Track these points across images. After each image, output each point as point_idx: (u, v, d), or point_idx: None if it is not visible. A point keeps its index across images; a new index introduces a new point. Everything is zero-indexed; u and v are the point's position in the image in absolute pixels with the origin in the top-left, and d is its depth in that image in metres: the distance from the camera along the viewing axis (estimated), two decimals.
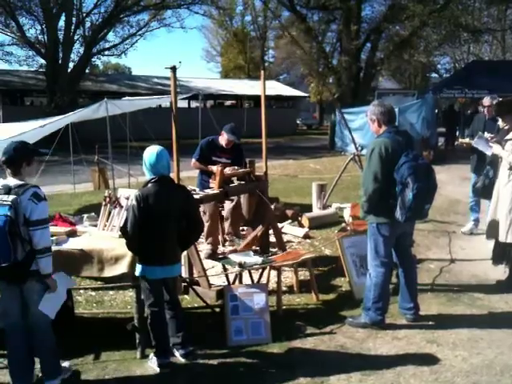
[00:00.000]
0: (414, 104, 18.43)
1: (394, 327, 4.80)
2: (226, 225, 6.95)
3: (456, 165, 14.55)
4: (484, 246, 6.74)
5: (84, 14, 28.61)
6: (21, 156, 3.70)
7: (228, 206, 6.86)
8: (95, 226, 4.89)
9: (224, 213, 6.97)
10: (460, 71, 29.15)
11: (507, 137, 5.78)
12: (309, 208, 9.55)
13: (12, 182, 3.64)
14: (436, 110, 21.40)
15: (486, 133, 7.21)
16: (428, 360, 4.22)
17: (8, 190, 3.57)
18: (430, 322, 4.90)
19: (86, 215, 5.29)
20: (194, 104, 31.64)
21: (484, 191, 6.31)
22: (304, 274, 6.02)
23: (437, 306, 5.28)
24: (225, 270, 5.40)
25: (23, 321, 3.76)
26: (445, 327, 4.78)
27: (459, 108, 27.04)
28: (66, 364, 4.06)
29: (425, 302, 5.27)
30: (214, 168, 6.17)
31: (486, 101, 7.70)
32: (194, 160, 6.84)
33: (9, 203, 3.48)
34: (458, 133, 20.97)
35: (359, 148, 10.11)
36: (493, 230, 5.85)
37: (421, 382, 3.90)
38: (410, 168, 4.35)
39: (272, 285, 5.56)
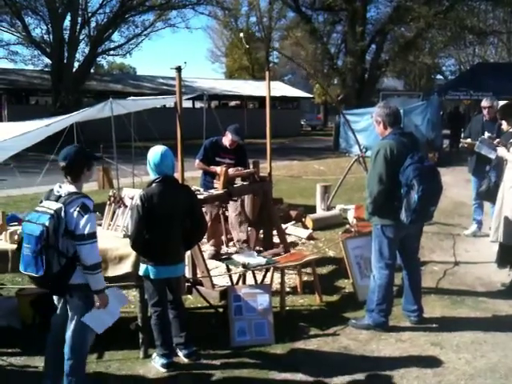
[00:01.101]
0: (419, 106, 18.38)
1: (397, 329, 4.79)
2: (234, 233, 6.92)
3: (461, 167, 14.48)
4: (488, 249, 6.72)
5: (89, 14, 28.69)
6: (83, 161, 3.56)
7: (232, 211, 6.83)
8: (99, 225, 4.89)
9: (228, 217, 6.96)
10: (465, 73, 29.09)
11: None
12: (313, 209, 9.54)
13: (66, 188, 3.48)
14: (441, 112, 21.34)
15: (486, 133, 7.22)
16: (431, 362, 4.21)
17: (58, 197, 3.43)
18: (434, 325, 4.88)
19: None
20: (198, 104, 31.64)
21: (488, 194, 6.30)
22: (308, 276, 6.01)
23: (441, 309, 5.27)
24: (228, 270, 5.40)
25: (62, 334, 3.61)
26: (449, 330, 4.77)
27: (464, 110, 26.99)
28: None
29: (429, 304, 5.26)
30: (218, 169, 6.16)
31: (485, 102, 7.69)
32: (197, 161, 6.83)
33: (51, 212, 3.33)
34: (462, 135, 20.91)
35: (363, 149, 10.10)
36: (497, 233, 5.84)
37: None
38: (416, 170, 4.34)
39: (275, 286, 5.56)
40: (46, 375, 3.67)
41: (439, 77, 49.07)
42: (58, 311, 3.70)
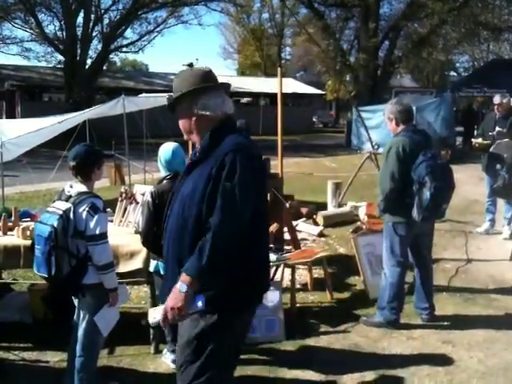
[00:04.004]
0: (432, 103, 18.26)
1: (408, 327, 4.77)
2: None
3: (474, 164, 14.36)
4: (501, 247, 6.67)
5: (102, 11, 28.81)
6: (93, 160, 3.54)
7: None
8: (111, 221, 4.91)
9: None
10: (479, 70, 28.85)
11: None
12: (324, 206, 9.53)
13: (76, 188, 3.47)
14: (454, 109, 21.18)
15: (496, 127, 7.18)
16: (443, 361, 4.18)
17: (68, 197, 3.42)
18: (446, 323, 4.86)
19: None
20: None
21: (504, 191, 6.27)
22: (318, 272, 6.00)
23: (452, 307, 5.24)
24: None
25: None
26: (460, 328, 4.74)
27: (478, 107, 26.75)
28: None
29: (440, 302, 5.22)
30: None
31: (497, 99, 7.64)
32: None
33: (60, 213, 3.31)
34: (475, 132, 20.77)
35: (376, 146, 10.06)
36: None
37: (435, 383, 3.87)
38: (428, 167, 4.31)
39: (286, 282, 5.55)
40: (69, 372, 3.70)
41: (453, 73, 48.72)
42: (76, 311, 3.72)
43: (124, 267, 4.29)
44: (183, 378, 2.54)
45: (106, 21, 29.38)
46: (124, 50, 31.91)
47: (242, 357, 4.25)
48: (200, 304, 2.39)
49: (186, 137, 2.68)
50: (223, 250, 2.33)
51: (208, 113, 2.54)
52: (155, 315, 2.42)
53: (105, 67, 30.65)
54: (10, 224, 4.76)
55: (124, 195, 4.90)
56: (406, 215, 4.52)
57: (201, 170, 2.47)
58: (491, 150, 6.91)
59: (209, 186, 2.38)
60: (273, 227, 6.07)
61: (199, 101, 2.55)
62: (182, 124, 2.64)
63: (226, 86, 2.72)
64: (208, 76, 2.64)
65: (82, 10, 26.94)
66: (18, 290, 5.65)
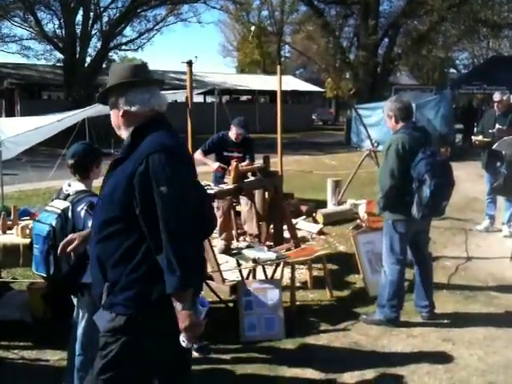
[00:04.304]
0: (431, 100, 18.23)
1: (408, 325, 4.77)
2: (245, 227, 6.93)
3: (474, 162, 14.35)
4: (501, 245, 6.67)
5: (101, 9, 28.71)
6: (92, 158, 3.52)
7: (244, 204, 6.83)
8: None
9: (240, 210, 6.97)
10: (479, 67, 28.78)
11: None
12: (323, 204, 9.52)
13: (74, 187, 3.45)
14: (454, 106, 21.16)
15: (496, 125, 7.18)
16: (443, 358, 4.18)
17: (66, 196, 3.41)
18: (446, 320, 4.85)
19: None
20: (209, 99, 31.63)
21: (504, 189, 6.26)
22: (318, 271, 5.99)
23: (452, 304, 5.23)
24: (239, 265, 5.39)
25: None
26: (460, 325, 4.73)
27: (477, 104, 26.72)
28: None
29: (440, 299, 5.22)
30: (209, 162, 6.69)
31: (497, 96, 7.63)
32: (199, 150, 6.75)
33: (58, 212, 3.30)
34: (475, 129, 20.75)
35: (375, 144, 10.05)
36: None
37: (435, 381, 3.87)
38: (428, 165, 4.30)
39: (286, 281, 5.54)
40: (69, 371, 3.69)
41: (452, 71, 48.64)
42: (76, 309, 3.71)
43: None
44: (94, 367, 2.49)
45: (105, 19, 29.32)
46: (123, 48, 31.84)
47: (242, 355, 4.29)
48: (200, 307, 2.37)
49: (117, 132, 2.58)
50: (187, 255, 2.26)
51: (133, 108, 2.45)
52: (182, 339, 2.35)
53: (104, 65, 30.53)
54: (10, 223, 4.75)
55: None
56: (405, 213, 4.51)
57: (122, 169, 2.38)
58: (494, 147, 6.88)
59: (130, 187, 2.29)
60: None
61: (125, 96, 2.46)
62: (112, 118, 2.55)
63: (155, 81, 2.63)
64: (138, 70, 2.55)
65: (81, 8, 26.86)
66: (18, 289, 5.64)
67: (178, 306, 2.28)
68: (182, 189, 2.28)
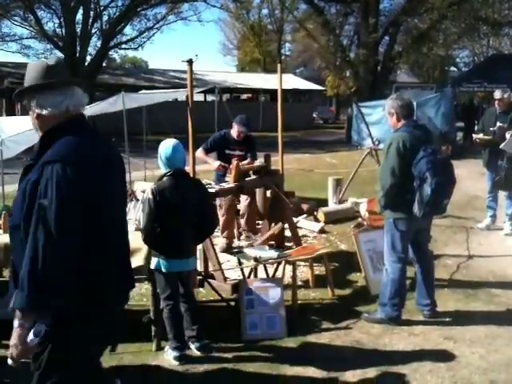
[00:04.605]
0: (432, 98, 18.22)
1: (410, 323, 4.76)
2: (242, 221, 6.95)
3: (475, 160, 14.35)
4: (502, 243, 6.67)
5: (101, 8, 28.74)
6: None
7: (244, 201, 6.85)
8: None
9: (240, 208, 6.97)
10: (479, 65, 28.75)
11: None
12: (325, 202, 9.51)
13: None
14: (455, 104, 21.14)
15: (497, 123, 7.17)
16: (445, 357, 4.18)
17: None
18: (447, 319, 4.85)
19: None
20: (210, 97, 31.62)
21: (506, 184, 6.27)
22: (319, 269, 5.99)
23: (454, 303, 5.23)
24: (240, 263, 5.39)
25: None
26: (462, 324, 4.73)
27: (478, 102, 26.70)
28: None
29: (442, 298, 5.21)
30: (214, 164, 6.57)
31: (498, 94, 7.62)
32: (200, 148, 6.75)
33: None
34: (476, 127, 20.74)
35: (376, 142, 10.04)
36: None
37: (437, 379, 3.86)
38: (429, 163, 4.30)
39: (287, 279, 5.54)
40: None
41: (453, 69, 48.62)
42: None
43: None
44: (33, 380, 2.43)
45: (105, 18, 29.34)
46: (123, 46, 31.92)
47: (244, 353, 4.29)
48: (31, 337, 2.21)
49: (37, 133, 2.48)
50: (43, 276, 2.11)
51: (44, 112, 2.34)
52: (9, 355, 2.28)
53: (104, 64, 30.61)
54: None
55: None
56: (406, 211, 4.50)
57: (30, 176, 2.27)
58: (501, 146, 6.85)
59: (28, 196, 2.21)
60: (277, 227, 6.05)
61: (36, 99, 2.36)
62: (31, 120, 2.45)
63: (68, 82, 2.46)
64: (51, 71, 2.39)
65: (81, 7, 26.88)
66: None
67: (15, 321, 2.19)
68: (62, 208, 2.14)
